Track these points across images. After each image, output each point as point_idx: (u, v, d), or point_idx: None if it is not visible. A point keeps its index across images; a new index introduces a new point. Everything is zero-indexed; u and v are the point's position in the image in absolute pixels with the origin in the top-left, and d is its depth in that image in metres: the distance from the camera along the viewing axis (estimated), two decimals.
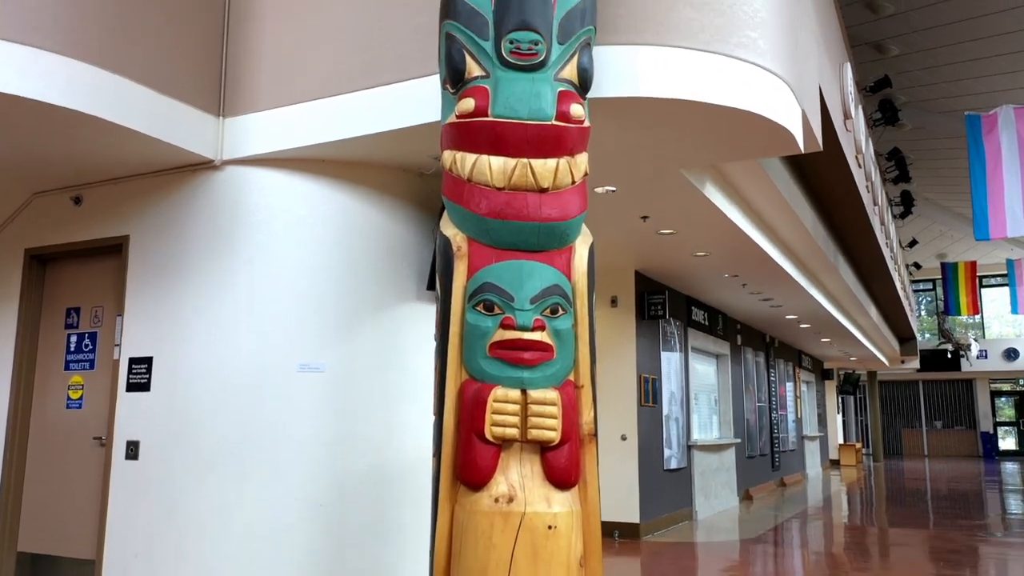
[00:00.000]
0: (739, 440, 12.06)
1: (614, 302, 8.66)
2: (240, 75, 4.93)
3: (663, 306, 8.65)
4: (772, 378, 15.08)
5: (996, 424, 31.66)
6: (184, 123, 4.70)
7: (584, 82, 3.37)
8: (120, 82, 4.31)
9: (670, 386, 9.55)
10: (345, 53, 4.60)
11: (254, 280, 4.86)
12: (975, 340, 28.31)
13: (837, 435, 24.71)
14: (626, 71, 3.92)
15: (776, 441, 14.92)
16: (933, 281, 32.29)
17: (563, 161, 3.19)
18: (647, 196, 5.95)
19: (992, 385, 31.82)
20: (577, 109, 3.23)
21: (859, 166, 8.34)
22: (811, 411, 20.21)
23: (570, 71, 3.32)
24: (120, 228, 5.25)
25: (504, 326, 3.04)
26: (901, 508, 12.70)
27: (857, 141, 8.05)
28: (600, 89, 3.87)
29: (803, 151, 4.75)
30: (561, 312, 3.12)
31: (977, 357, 29.15)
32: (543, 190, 3.15)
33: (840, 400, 26.34)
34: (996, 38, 14.71)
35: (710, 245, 7.51)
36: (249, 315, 4.83)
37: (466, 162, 3.22)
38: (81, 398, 5.35)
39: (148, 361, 4.96)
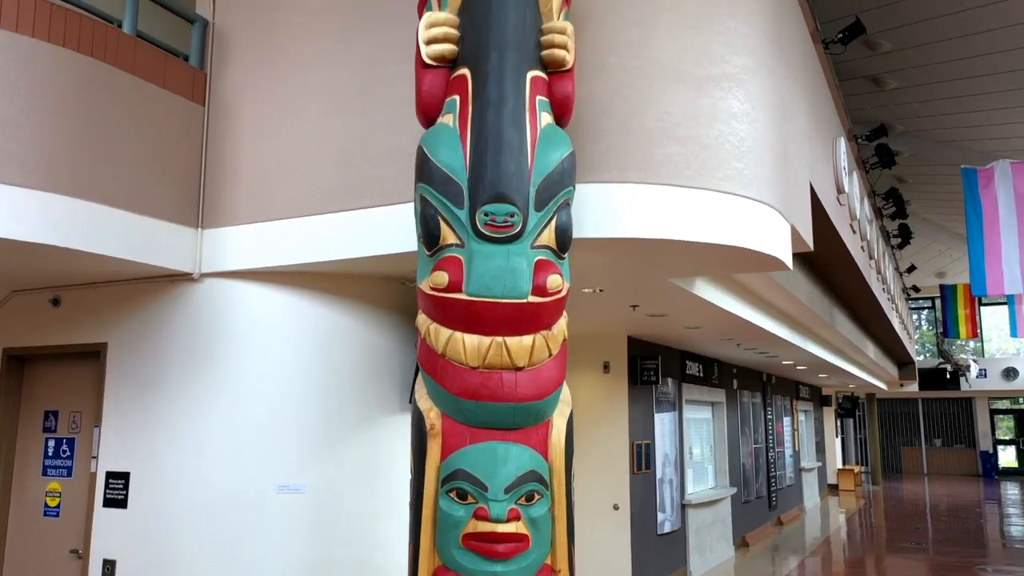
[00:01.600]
0: (735, 489, 11.96)
1: (606, 368, 8.57)
2: (219, 189, 4.84)
3: (656, 371, 8.55)
4: (769, 416, 14.98)
5: (996, 442, 31.54)
6: (161, 240, 4.60)
7: (563, 243, 3.27)
8: (94, 209, 4.21)
9: (664, 448, 9.44)
10: (324, 173, 4.50)
11: (233, 395, 4.76)
12: (974, 361, 28.17)
13: (836, 459, 24.60)
14: (608, 211, 3.82)
15: (773, 480, 14.81)
16: (933, 299, 32.19)
17: (539, 337, 3.10)
18: (635, 294, 5.85)
19: (992, 404, 31.70)
20: (554, 280, 3.14)
21: (853, 232, 8.25)
22: (809, 440, 20.10)
23: (548, 235, 3.22)
24: (98, 334, 5.15)
25: (478, 517, 2.94)
26: (901, 547, 12.59)
27: (852, 209, 7.96)
28: (582, 229, 3.78)
29: (791, 266, 4.66)
30: (537, 497, 3.03)
31: (977, 376, 29.03)
32: (519, 368, 3.06)
33: (839, 423, 26.22)
34: (990, 77, 14.64)
35: (703, 321, 7.41)
36: (228, 432, 4.73)
37: (440, 336, 3.12)
38: (59, 506, 5.25)
39: (125, 477, 4.86)
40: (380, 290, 5.07)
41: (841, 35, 8.12)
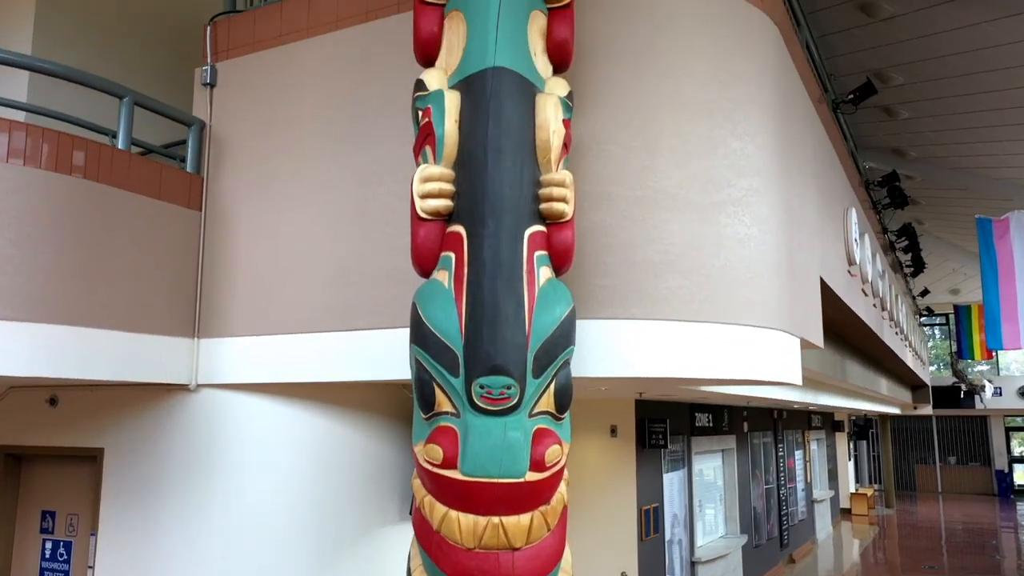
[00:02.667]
0: (745, 537, 11.80)
1: (613, 432, 8.44)
2: (216, 298, 4.76)
3: (664, 434, 8.41)
4: (780, 453, 14.80)
5: (1011, 461, 31.17)
6: (158, 355, 4.52)
7: (562, 405, 3.16)
8: (88, 335, 4.13)
9: (672, 508, 9.31)
10: (320, 290, 4.41)
11: (230, 506, 4.68)
12: (989, 381, 27.84)
13: (848, 483, 24.34)
14: (612, 349, 3.71)
15: (784, 518, 14.63)
16: (947, 316, 31.91)
17: (538, 514, 2.99)
18: (642, 387, 5.74)
19: (1007, 422, 31.35)
20: (554, 452, 3.03)
21: (865, 295, 8.10)
22: (821, 469, 19.88)
23: (547, 400, 3.11)
24: (95, 439, 5.07)
25: None
26: None
27: (863, 273, 7.81)
28: (584, 367, 3.67)
29: (800, 383, 4.53)
30: None
31: (992, 395, 28.70)
32: (516, 549, 2.95)
33: (852, 444, 25.96)
34: (1004, 111, 14.43)
35: (710, 398, 7.28)
36: (225, 543, 4.65)
37: (435, 512, 3.02)
38: None
39: None
40: (379, 396, 4.98)
41: (852, 96, 7.97)
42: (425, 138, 3.29)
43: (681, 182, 3.87)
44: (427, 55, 3.45)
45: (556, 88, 3.35)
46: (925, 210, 23.22)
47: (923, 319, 27.54)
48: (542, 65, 3.37)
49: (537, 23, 3.37)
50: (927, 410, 24.55)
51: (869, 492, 24.48)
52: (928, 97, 14.84)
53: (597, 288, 3.74)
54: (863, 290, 7.89)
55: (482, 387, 2.98)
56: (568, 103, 3.36)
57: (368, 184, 4.34)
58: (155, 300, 4.54)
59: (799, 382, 4.39)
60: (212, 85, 4.97)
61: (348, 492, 4.81)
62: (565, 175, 3.26)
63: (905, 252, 15.10)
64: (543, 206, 3.22)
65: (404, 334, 3.94)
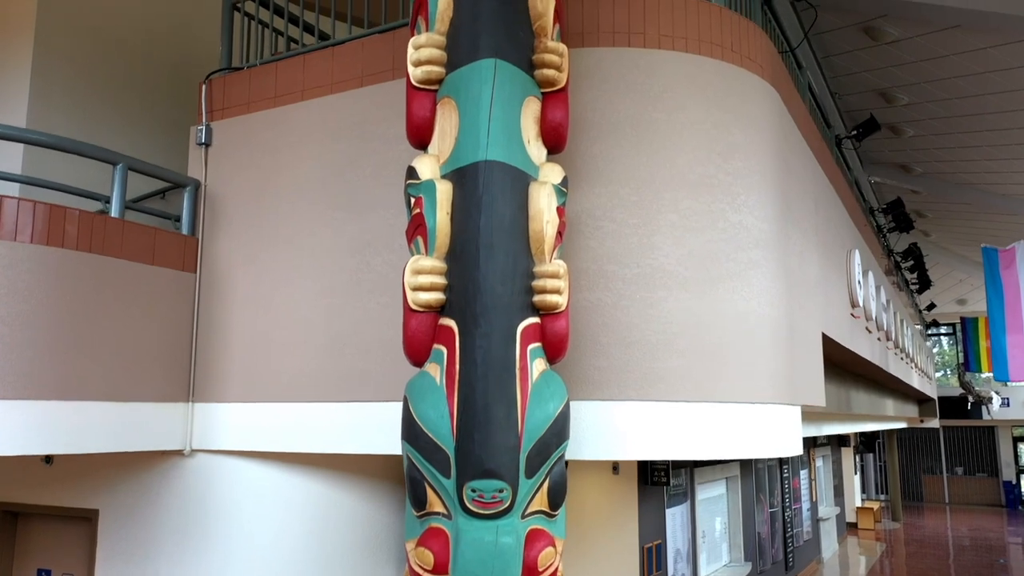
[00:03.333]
0: (749, 565, 11.72)
1: (615, 469, 8.37)
2: (210, 362, 4.71)
3: (667, 472, 8.34)
4: (785, 475, 14.70)
5: (1019, 472, 30.98)
6: (151, 422, 4.49)
7: (556, 502, 3.11)
8: (80, 408, 4.10)
9: (675, 543, 9.23)
10: (314, 360, 4.37)
11: (225, 571, 4.63)
12: (996, 392, 27.69)
13: (855, 498, 24.21)
14: (608, 430, 3.66)
15: (790, 540, 14.53)
16: (953, 325, 31.77)
17: None
18: None
19: (1015, 432, 31.18)
20: (547, 556, 2.98)
21: (869, 332, 8.02)
22: (827, 487, 19.76)
23: (540, 499, 3.06)
24: (90, 500, 5.04)
25: None
26: None
27: (867, 311, 7.74)
28: (580, 450, 3.62)
29: (800, 451, 4.46)
30: None
31: (999, 406, 28.55)
32: None
33: (858, 457, 25.82)
34: (1009, 131, 14.34)
35: None
36: None
37: None
38: None
39: None
40: (376, 462, 4.93)
41: (855, 132, 7.90)
42: (417, 228, 3.24)
43: (679, 259, 3.81)
44: (420, 139, 3.41)
45: (550, 175, 3.29)
46: (931, 222, 23.10)
47: (930, 331, 27.43)
48: (535, 152, 3.32)
49: (531, 108, 3.32)
50: (934, 423, 24.41)
51: (875, 506, 24.36)
52: (934, 116, 14.76)
53: (593, 369, 3.69)
54: (867, 328, 7.82)
55: (474, 490, 2.93)
56: (562, 189, 3.31)
57: (363, 253, 4.29)
58: (149, 366, 4.50)
59: (800, 451, 4.32)
60: (207, 145, 4.93)
61: (342, 556, 4.77)
62: (559, 266, 3.20)
63: (911, 271, 15.01)
64: (536, 299, 3.17)
65: (398, 409, 3.92)
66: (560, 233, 3.30)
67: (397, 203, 4.04)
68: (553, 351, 3.24)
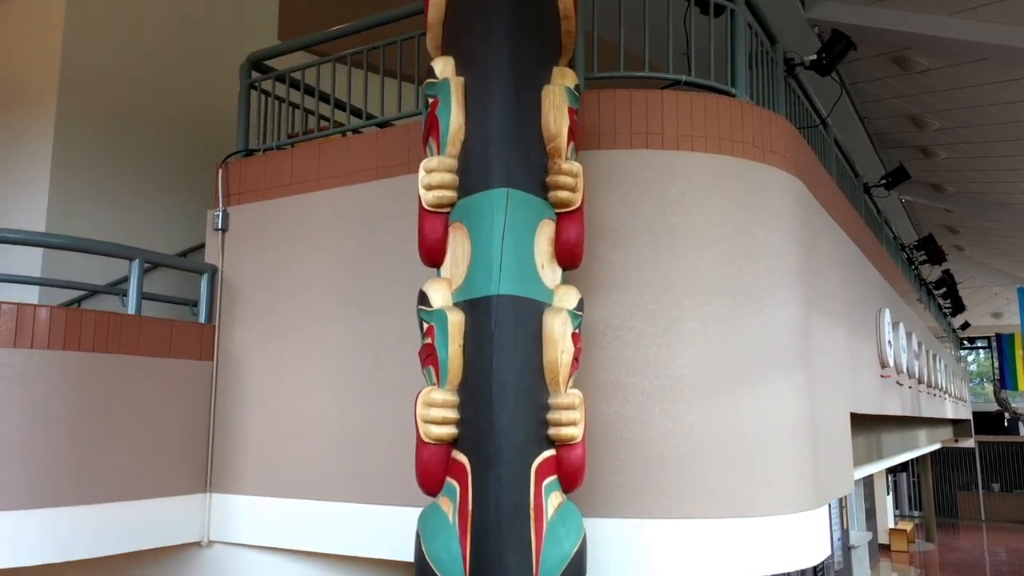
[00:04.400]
0: None
1: None
2: (227, 452, 4.70)
3: None
4: None
5: None
6: (169, 517, 4.48)
7: None
8: (98, 511, 4.10)
9: None
10: (329, 455, 4.34)
11: None
12: None
13: (887, 519, 23.77)
14: (627, 550, 3.57)
15: (820, 573, 14.27)
16: (988, 339, 31.23)
17: None
18: None
19: None
20: None
21: (899, 385, 7.83)
22: (858, 511, 19.41)
23: None
24: None
25: None
26: None
27: (897, 364, 7.55)
28: (596, 570, 3.52)
29: (829, 552, 4.33)
30: None
31: None
32: None
33: (891, 476, 25.38)
34: None
35: None
36: None
37: None
38: None
39: None
40: (392, 562, 4.87)
41: (885, 181, 7.71)
42: (428, 356, 3.18)
43: (701, 368, 3.71)
44: (432, 260, 3.34)
45: (565, 299, 3.21)
46: (965, 238, 22.63)
47: (964, 344, 26.90)
48: (549, 275, 3.24)
49: (545, 231, 3.24)
50: (969, 443, 23.92)
51: (909, 527, 23.88)
52: (966, 141, 14.46)
53: (612, 485, 3.60)
54: (897, 382, 7.63)
55: None
56: (577, 313, 3.22)
57: (377, 351, 4.24)
58: (167, 460, 4.49)
59: (827, 554, 4.20)
60: (224, 230, 4.91)
61: None
62: (575, 397, 3.12)
63: (944, 297, 14.69)
64: (551, 431, 3.09)
65: (411, 514, 3.85)
66: (576, 359, 3.22)
67: (409, 304, 3.97)
68: (569, 482, 3.15)
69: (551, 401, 3.11)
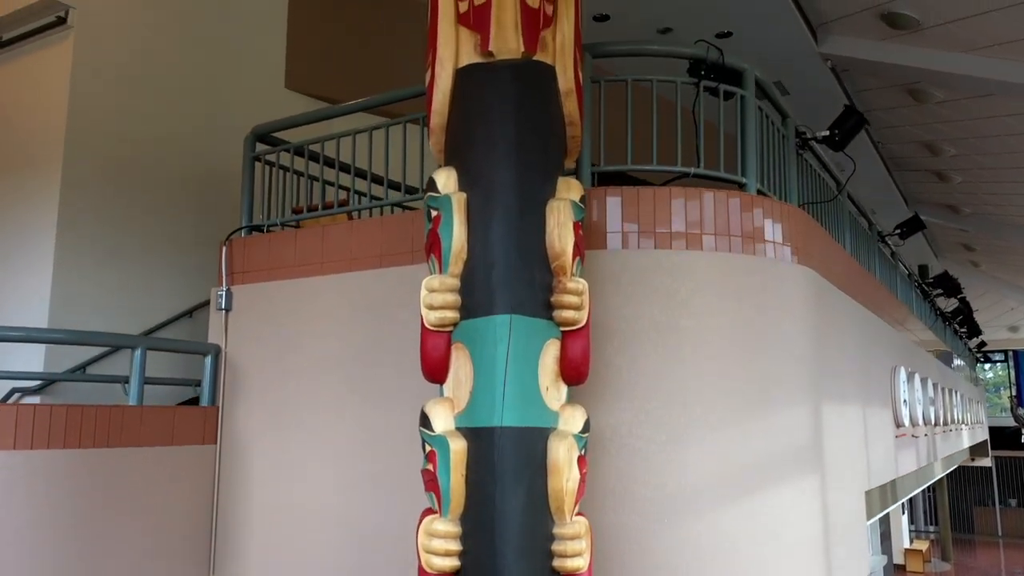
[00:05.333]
0: None
1: None
2: (231, 538, 4.65)
3: None
4: None
5: None
6: None
7: None
8: None
9: None
10: (332, 551, 4.26)
11: None
12: None
13: (903, 539, 23.50)
14: None
15: None
16: (1005, 352, 30.97)
17: None
18: None
19: None
20: None
21: (915, 437, 7.70)
22: (874, 535, 19.19)
23: None
24: None
25: None
26: None
27: (912, 417, 7.42)
28: None
29: None
30: None
31: None
32: None
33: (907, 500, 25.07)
34: None
35: None
36: None
37: None
38: None
39: None
40: None
41: (899, 231, 7.58)
42: (429, 481, 3.10)
43: (710, 476, 3.62)
44: (433, 377, 3.27)
45: (571, 422, 3.13)
46: (981, 255, 22.42)
47: (980, 363, 26.60)
48: (555, 397, 3.15)
49: (550, 352, 3.15)
50: (986, 462, 23.64)
51: (924, 546, 23.60)
52: (982, 167, 14.30)
53: None
54: (912, 435, 7.50)
55: None
56: (583, 436, 3.14)
57: (382, 446, 4.17)
58: (170, 548, 4.45)
59: None
60: (228, 310, 4.86)
61: None
62: (580, 526, 3.04)
63: (960, 325, 14.51)
64: (556, 563, 3.01)
65: None
66: (582, 482, 3.13)
67: (413, 400, 3.91)
68: None
69: (556, 531, 3.03)
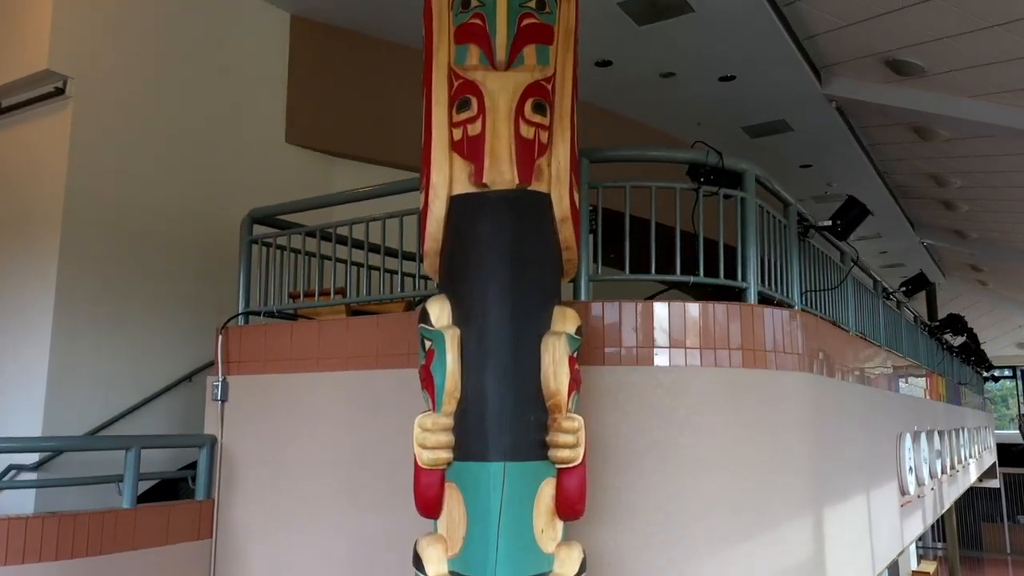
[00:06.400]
0: None
1: None
2: None
3: None
4: None
5: None
6: None
7: None
8: None
9: None
10: None
11: None
12: None
13: (911, 561, 23.33)
14: None
15: None
16: (1013, 368, 30.83)
17: None
18: None
19: None
20: None
21: (920, 497, 7.61)
22: None
23: None
24: None
25: None
26: None
27: (919, 478, 7.33)
28: None
29: None
30: None
31: None
32: None
33: None
34: None
35: None
36: None
37: None
38: None
39: None
40: None
41: (905, 288, 7.50)
42: None
43: (717, 562, 3.56)
44: (427, 513, 3.21)
45: (567, 565, 3.07)
46: (988, 275, 22.30)
47: (988, 384, 26.42)
48: (550, 537, 3.09)
49: (547, 492, 3.09)
50: (994, 483, 23.48)
51: (932, 568, 23.44)
52: (988, 197, 14.22)
53: None
54: (918, 495, 7.42)
55: None
56: None
57: (376, 551, 4.12)
58: None
59: None
60: (224, 400, 4.82)
61: None
62: None
63: (968, 357, 14.41)
64: None
65: None
66: None
67: (409, 508, 3.86)
68: None
69: None
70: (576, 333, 3.25)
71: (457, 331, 3.15)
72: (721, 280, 3.99)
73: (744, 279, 4.03)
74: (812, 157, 12.98)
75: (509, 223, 3.16)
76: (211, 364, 5.12)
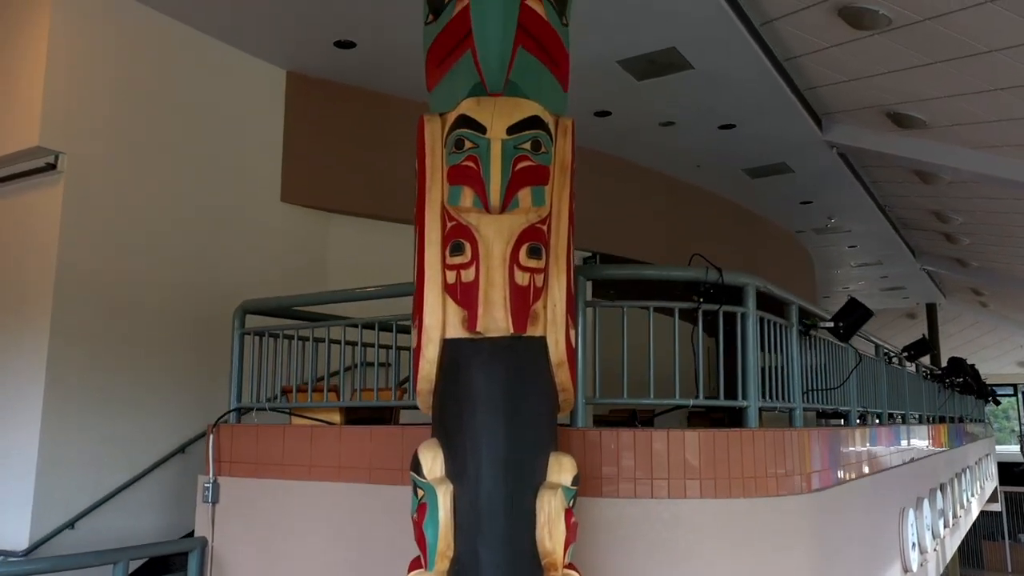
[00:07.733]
0: None
1: None
2: None
3: None
4: None
5: None
6: None
7: None
8: None
9: None
10: None
11: None
12: None
13: None
14: None
15: None
16: (1014, 386, 30.82)
17: None
18: None
19: None
20: None
21: (924, 563, 7.52)
22: None
23: None
24: None
25: None
26: None
27: (922, 547, 7.24)
28: None
29: None
30: None
31: None
32: None
33: None
34: None
35: None
36: None
37: None
38: None
39: None
40: None
41: (907, 354, 7.42)
42: None
43: None
44: None
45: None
46: (990, 298, 22.26)
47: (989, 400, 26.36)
48: None
49: None
50: (995, 507, 23.38)
51: None
52: (989, 233, 14.15)
53: None
54: (922, 563, 7.33)
55: None
56: None
57: None
58: None
59: None
60: (215, 503, 4.73)
61: None
62: None
63: (971, 391, 14.31)
64: None
65: None
66: None
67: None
68: None
69: None
70: (572, 483, 3.16)
71: (450, 487, 3.07)
72: (721, 402, 3.91)
73: (745, 397, 3.94)
74: (813, 195, 12.92)
75: (503, 376, 3.07)
76: (203, 435, 5.03)
